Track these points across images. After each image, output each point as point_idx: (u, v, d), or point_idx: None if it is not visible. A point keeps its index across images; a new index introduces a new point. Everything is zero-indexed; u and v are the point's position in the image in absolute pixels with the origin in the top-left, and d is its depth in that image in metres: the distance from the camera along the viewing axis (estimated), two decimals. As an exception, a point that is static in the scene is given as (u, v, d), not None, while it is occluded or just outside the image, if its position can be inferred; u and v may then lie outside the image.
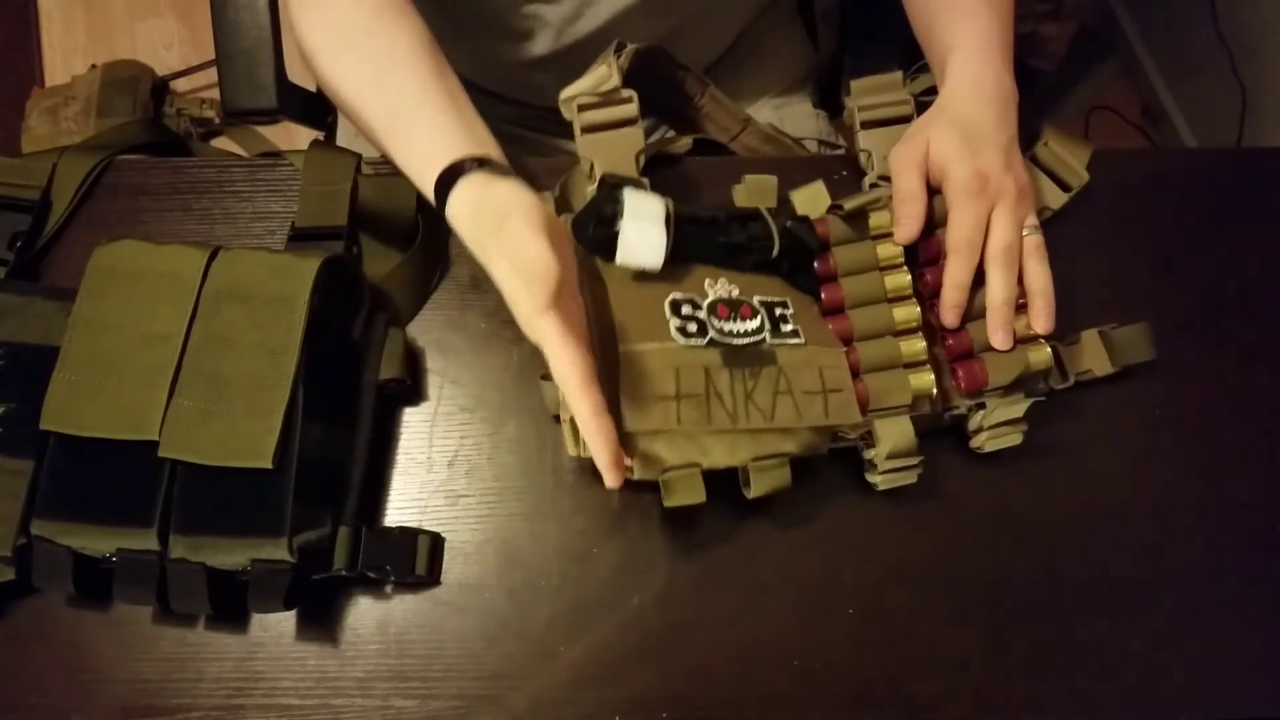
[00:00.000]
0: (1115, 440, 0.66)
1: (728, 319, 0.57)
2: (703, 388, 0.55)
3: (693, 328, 0.57)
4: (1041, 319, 0.61)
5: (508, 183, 0.54)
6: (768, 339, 0.58)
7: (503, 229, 0.51)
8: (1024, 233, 0.62)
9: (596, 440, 0.50)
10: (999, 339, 0.60)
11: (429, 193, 0.57)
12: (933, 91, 0.70)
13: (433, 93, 0.59)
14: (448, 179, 0.55)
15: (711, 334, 0.57)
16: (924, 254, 0.63)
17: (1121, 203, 0.72)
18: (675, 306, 0.57)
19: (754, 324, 0.58)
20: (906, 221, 0.62)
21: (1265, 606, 0.63)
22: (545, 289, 0.49)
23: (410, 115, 0.59)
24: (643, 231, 0.57)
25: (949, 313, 0.61)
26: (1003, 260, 0.61)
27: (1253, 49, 1.49)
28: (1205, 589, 0.63)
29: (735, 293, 0.59)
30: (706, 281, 0.59)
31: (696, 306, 0.58)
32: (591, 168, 0.62)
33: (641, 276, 0.58)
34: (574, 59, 0.76)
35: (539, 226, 0.50)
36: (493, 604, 0.61)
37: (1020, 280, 0.62)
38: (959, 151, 0.61)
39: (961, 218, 0.61)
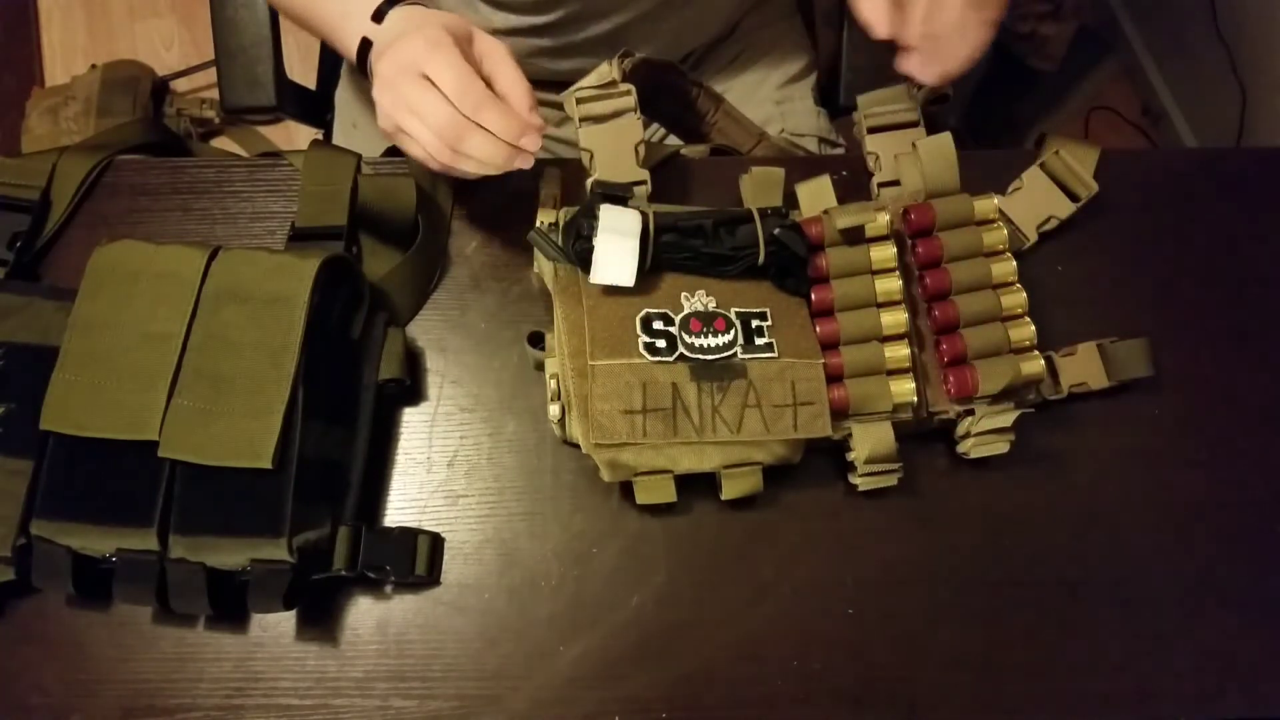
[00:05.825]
0: (1115, 440, 0.66)
1: (700, 334, 0.58)
2: (669, 402, 0.57)
3: (662, 344, 0.58)
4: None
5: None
6: (739, 353, 0.58)
7: (433, 17, 0.58)
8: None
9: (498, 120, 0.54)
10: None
11: (358, 27, 0.61)
12: (940, 100, 0.70)
13: None
14: (385, 9, 0.60)
15: (681, 350, 0.58)
16: (910, 227, 0.63)
17: (1121, 202, 0.72)
18: (646, 322, 0.58)
19: (726, 338, 0.59)
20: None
21: (1265, 606, 0.63)
22: (448, 32, 0.56)
23: None
24: (616, 250, 0.57)
25: (877, 19, 0.59)
26: None
27: (1253, 49, 1.49)
28: (1205, 589, 0.63)
29: (712, 305, 0.60)
30: (684, 294, 0.60)
31: (669, 321, 0.59)
32: (591, 158, 0.62)
33: (617, 290, 0.59)
34: (545, 34, 0.77)
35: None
36: (492, 604, 0.61)
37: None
38: None
39: None
